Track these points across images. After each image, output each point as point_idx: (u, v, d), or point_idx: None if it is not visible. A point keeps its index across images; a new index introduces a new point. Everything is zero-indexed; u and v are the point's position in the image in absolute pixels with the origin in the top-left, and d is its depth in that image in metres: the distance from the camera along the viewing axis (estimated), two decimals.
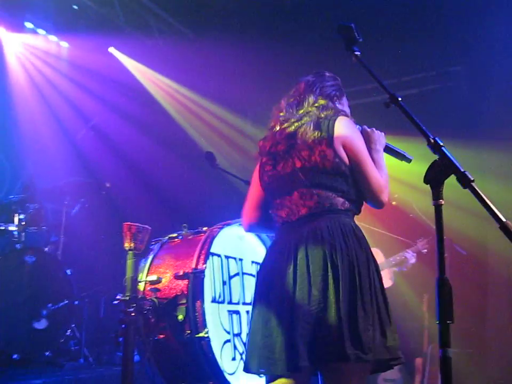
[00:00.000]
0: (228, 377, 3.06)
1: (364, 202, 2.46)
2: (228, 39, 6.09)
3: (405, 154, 2.60)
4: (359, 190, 2.39)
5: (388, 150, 2.60)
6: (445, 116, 5.50)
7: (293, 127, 2.44)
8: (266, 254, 2.44)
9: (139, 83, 6.25)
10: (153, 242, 3.41)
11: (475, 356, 5.35)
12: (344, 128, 2.37)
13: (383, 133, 2.59)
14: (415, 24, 5.65)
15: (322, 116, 2.44)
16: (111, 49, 6.15)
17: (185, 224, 3.55)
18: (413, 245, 5.32)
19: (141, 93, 6.23)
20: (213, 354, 2.97)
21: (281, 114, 2.53)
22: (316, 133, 2.37)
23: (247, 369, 2.25)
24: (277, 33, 7.04)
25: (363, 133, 2.55)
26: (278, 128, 2.50)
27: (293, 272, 2.24)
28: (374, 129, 2.58)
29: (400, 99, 2.12)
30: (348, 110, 2.65)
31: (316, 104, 2.47)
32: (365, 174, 2.36)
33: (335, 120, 2.39)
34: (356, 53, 2.28)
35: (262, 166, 2.53)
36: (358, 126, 2.60)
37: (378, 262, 2.41)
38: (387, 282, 5.17)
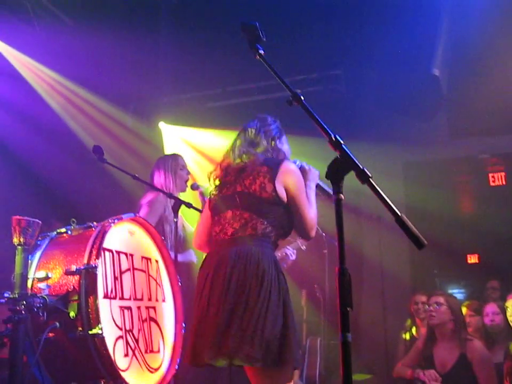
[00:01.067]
0: (121, 374, 3.02)
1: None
2: (108, 29, 5.92)
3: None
4: (290, 221, 2.73)
5: (318, 187, 2.83)
6: (325, 117, 5.76)
7: (244, 161, 2.79)
8: (202, 263, 2.83)
9: (15, 70, 5.88)
10: (40, 238, 3.25)
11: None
12: (288, 172, 2.73)
13: (318, 172, 2.92)
14: (298, 28, 5.87)
15: (271, 155, 2.82)
16: None
17: (73, 219, 3.44)
18: (293, 242, 5.44)
19: (18, 81, 5.87)
20: (107, 350, 2.91)
21: (234, 147, 2.89)
22: (263, 168, 2.72)
23: None
24: (161, 26, 6.99)
25: (301, 169, 2.82)
26: (230, 162, 2.86)
27: (208, 287, 2.66)
28: (311, 167, 2.86)
29: (302, 98, 2.24)
30: (287, 148, 2.97)
31: (268, 145, 2.85)
32: (301, 214, 2.71)
33: (282, 161, 2.76)
34: (260, 51, 2.36)
35: (210, 194, 2.93)
36: (298, 162, 2.82)
37: None
38: None
